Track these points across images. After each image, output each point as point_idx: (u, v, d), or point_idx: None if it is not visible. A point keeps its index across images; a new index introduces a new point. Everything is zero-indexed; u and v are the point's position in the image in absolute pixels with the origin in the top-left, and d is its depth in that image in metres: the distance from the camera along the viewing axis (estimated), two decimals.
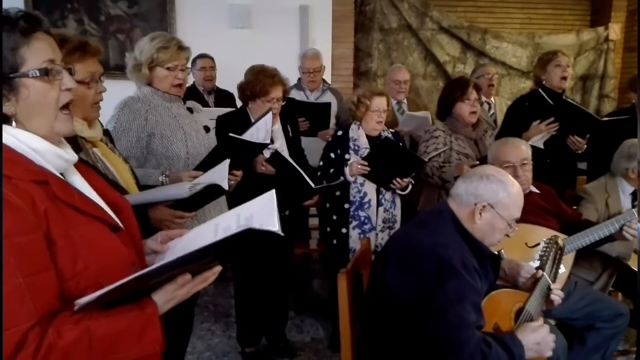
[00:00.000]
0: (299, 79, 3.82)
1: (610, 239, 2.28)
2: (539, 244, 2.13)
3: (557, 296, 1.75)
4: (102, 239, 1.01)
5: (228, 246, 0.97)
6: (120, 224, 1.09)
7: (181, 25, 4.71)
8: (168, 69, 2.10)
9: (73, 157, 1.06)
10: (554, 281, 1.78)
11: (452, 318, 1.45)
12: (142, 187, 1.81)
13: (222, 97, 4.13)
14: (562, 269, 2.18)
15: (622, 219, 2.23)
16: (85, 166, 1.18)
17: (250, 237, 0.95)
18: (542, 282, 1.71)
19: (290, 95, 3.66)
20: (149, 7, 4.67)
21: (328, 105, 3.63)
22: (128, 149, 2.07)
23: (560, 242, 1.88)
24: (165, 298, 1.00)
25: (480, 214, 1.63)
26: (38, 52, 0.96)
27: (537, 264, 1.81)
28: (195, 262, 0.99)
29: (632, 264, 2.48)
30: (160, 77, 2.12)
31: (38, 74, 0.96)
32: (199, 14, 4.72)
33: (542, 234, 2.11)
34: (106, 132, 1.81)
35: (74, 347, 0.89)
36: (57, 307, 0.91)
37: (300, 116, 3.40)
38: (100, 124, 1.75)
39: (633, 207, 2.31)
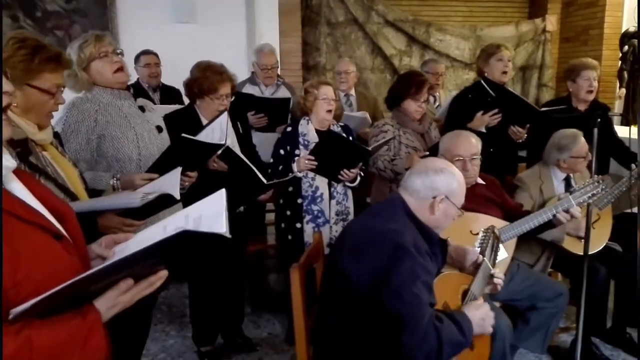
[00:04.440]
0: (253, 73, 3.79)
1: (549, 225, 2.38)
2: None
3: (499, 279, 1.87)
4: (45, 248, 1.00)
5: (165, 249, 0.96)
6: (64, 232, 1.07)
7: (123, 20, 4.58)
8: (99, 58, 2.06)
9: (12, 163, 1.04)
10: (493, 266, 1.90)
11: (407, 296, 1.52)
12: (91, 192, 1.77)
13: (168, 94, 4.05)
14: (505, 255, 2.30)
15: (560, 205, 2.33)
16: (26, 173, 1.15)
17: (189, 239, 0.95)
18: (483, 266, 1.83)
19: (245, 90, 3.64)
20: (88, 2, 4.51)
21: (288, 100, 3.62)
22: (77, 151, 2.01)
23: (496, 231, 2.01)
24: (108, 304, 0.99)
25: (438, 205, 1.72)
26: None
27: (478, 250, 1.92)
28: (134, 265, 0.97)
29: (567, 246, 2.61)
30: (98, 69, 2.07)
31: None
32: (141, 9, 4.59)
33: (486, 222, 2.20)
34: (56, 135, 1.76)
35: (15, 357, 0.88)
36: None
37: (258, 112, 3.38)
38: (51, 128, 1.70)
39: (570, 192, 2.41)
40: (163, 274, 1.03)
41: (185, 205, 2.19)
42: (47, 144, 1.64)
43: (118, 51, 2.13)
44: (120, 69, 2.11)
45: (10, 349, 0.87)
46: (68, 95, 2.00)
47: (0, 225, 0.87)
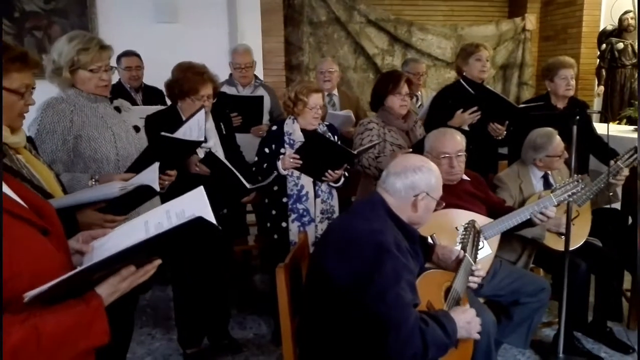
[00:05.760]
0: (230, 75, 3.78)
1: (530, 223, 2.41)
2: None
3: (477, 278, 1.89)
4: (34, 242, 1.02)
5: (175, 236, 1.00)
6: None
7: (103, 21, 4.53)
8: (91, 71, 2.03)
9: None
10: (475, 260, 1.92)
11: (390, 298, 1.52)
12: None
13: (151, 95, 4.01)
14: (489, 251, 2.32)
15: (542, 203, 2.37)
16: (6, 173, 1.14)
17: (195, 228, 0.98)
18: (465, 262, 1.85)
19: (222, 90, 3.62)
20: (68, 2, 4.46)
21: (261, 98, 3.60)
22: (53, 152, 1.98)
23: (477, 226, 2.03)
24: (109, 291, 1.03)
25: (420, 203, 1.74)
26: None
27: (460, 247, 1.94)
28: (140, 253, 1.02)
29: (548, 242, 2.65)
30: (84, 79, 2.04)
31: None
32: (122, 9, 4.55)
33: (471, 218, 2.22)
34: (29, 139, 1.74)
35: (22, 345, 0.91)
36: None
37: (232, 111, 3.36)
38: (24, 131, 1.68)
39: (551, 191, 2.45)
40: (157, 262, 1.08)
41: None
42: (21, 147, 1.61)
43: (111, 68, 2.10)
44: (105, 85, 2.09)
45: (17, 337, 0.90)
46: (41, 95, 1.97)
47: (0, 223, 0.88)
